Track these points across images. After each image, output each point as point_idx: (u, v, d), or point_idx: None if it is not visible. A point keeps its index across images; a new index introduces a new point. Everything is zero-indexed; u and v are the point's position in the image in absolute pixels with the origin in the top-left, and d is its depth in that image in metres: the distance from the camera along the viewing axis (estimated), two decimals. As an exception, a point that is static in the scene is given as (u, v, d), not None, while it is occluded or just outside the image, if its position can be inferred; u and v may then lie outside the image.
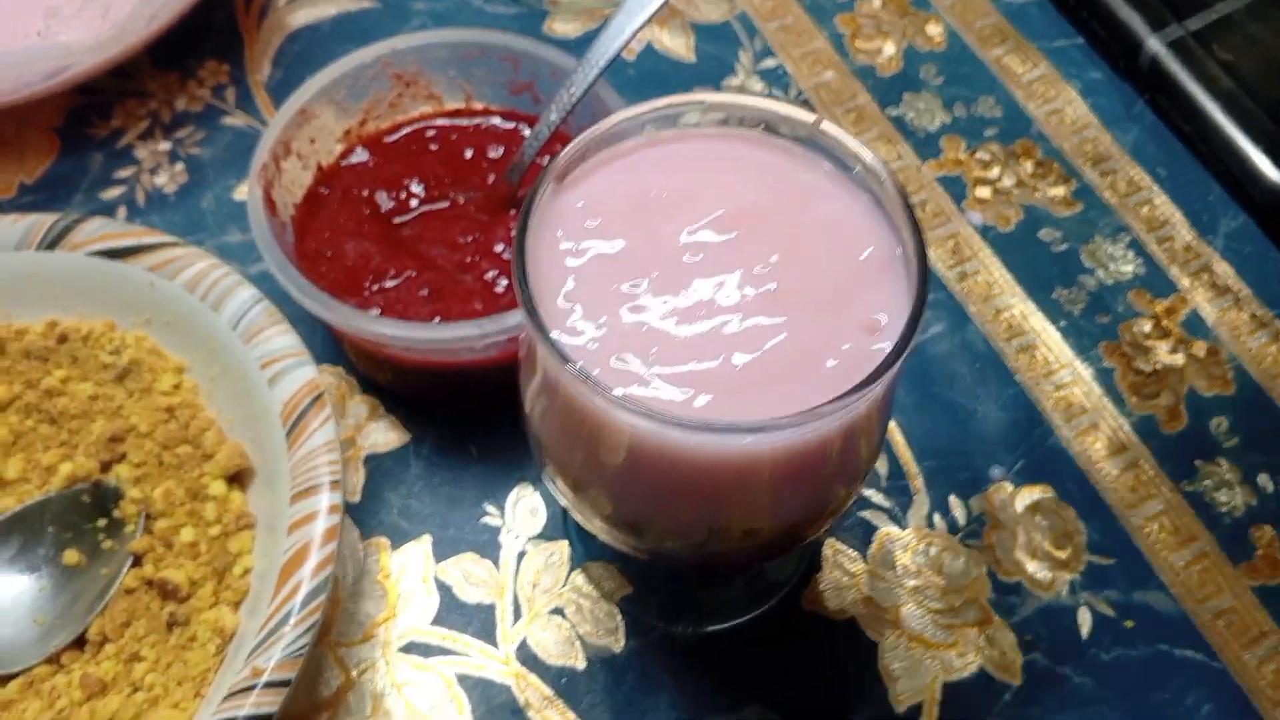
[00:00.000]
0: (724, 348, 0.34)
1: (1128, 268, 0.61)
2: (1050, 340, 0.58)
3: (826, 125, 0.37)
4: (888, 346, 0.34)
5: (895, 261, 0.36)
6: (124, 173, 0.63)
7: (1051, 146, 0.65)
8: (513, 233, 0.52)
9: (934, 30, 0.69)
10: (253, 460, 0.49)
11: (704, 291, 0.35)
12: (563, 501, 0.40)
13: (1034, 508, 0.54)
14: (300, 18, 0.68)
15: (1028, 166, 0.64)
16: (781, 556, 0.49)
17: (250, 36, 0.67)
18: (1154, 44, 0.66)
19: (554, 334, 0.33)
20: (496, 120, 0.57)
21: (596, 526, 0.40)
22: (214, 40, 0.67)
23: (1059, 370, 0.57)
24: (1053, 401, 0.56)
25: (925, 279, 0.34)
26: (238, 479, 0.50)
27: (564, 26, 0.68)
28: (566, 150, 0.37)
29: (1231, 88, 0.65)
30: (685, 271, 0.35)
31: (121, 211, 0.61)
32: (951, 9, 0.70)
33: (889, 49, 0.68)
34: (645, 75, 0.66)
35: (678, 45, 0.68)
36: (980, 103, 0.66)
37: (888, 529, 0.52)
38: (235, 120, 0.64)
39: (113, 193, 0.62)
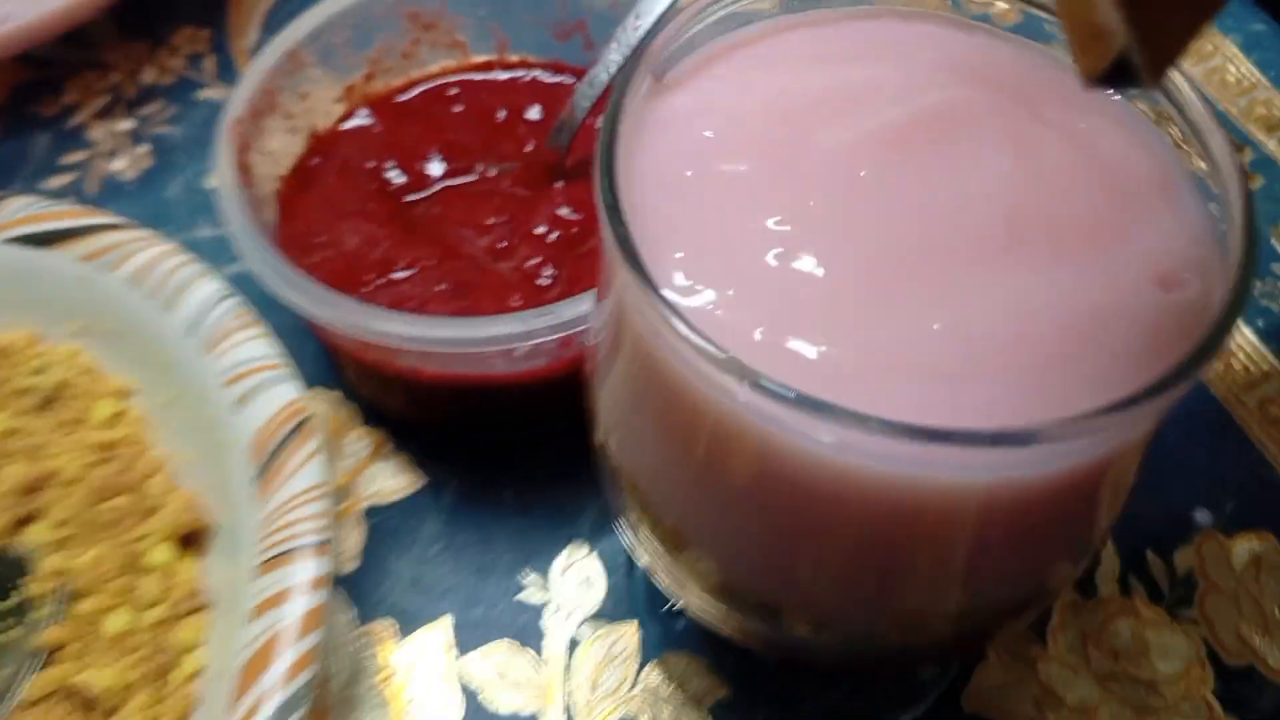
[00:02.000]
0: (931, 313, 0.21)
1: (1332, 254, 0.48)
2: (1249, 342, 0.45)
3: (1056, -12, 0.24)
4: (1205, 306, 0.21)
5: (1181, 184, 0.23)
6: (74, 157, 0.51)
7: (1216, 110, 0.52)
8: (559, 210, 0.40)
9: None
10: (213, 514, 0.37)
11: (890, 225, 0.22)
12: (646, 562, 0.28)
13: (1256, 563, 0.40)
14: (296, -24, 0.56)
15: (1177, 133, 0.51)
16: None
17: (234, -3, 0.56)
18: (1334, -12, 0.54)
19: (665, 293, 0.20)
20: (537, 74, 0.44)
21: (696, 603, 0.27)
22: (194, 3, 0.56)
23: (1263, 382, 0.44)
24: (1260, 422, 0.43)
25: (1249, 198, 0.21)
26: (192, 541, 0.37)
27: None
28: (665, 34, 0.24)
29: None
30: (858, 196, 0.22)
31: (66, 203, 0.49)
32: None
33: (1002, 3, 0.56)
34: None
35: None
36: (1126, 61, 0.54)
37: (1070, 596, 0.39)
38: (213, 93, 0.52)
39: (58, 181, 0.50)
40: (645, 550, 0.28)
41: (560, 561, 0.39)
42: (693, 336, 0.19)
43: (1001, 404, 0.20)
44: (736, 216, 0.22)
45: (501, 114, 0.43)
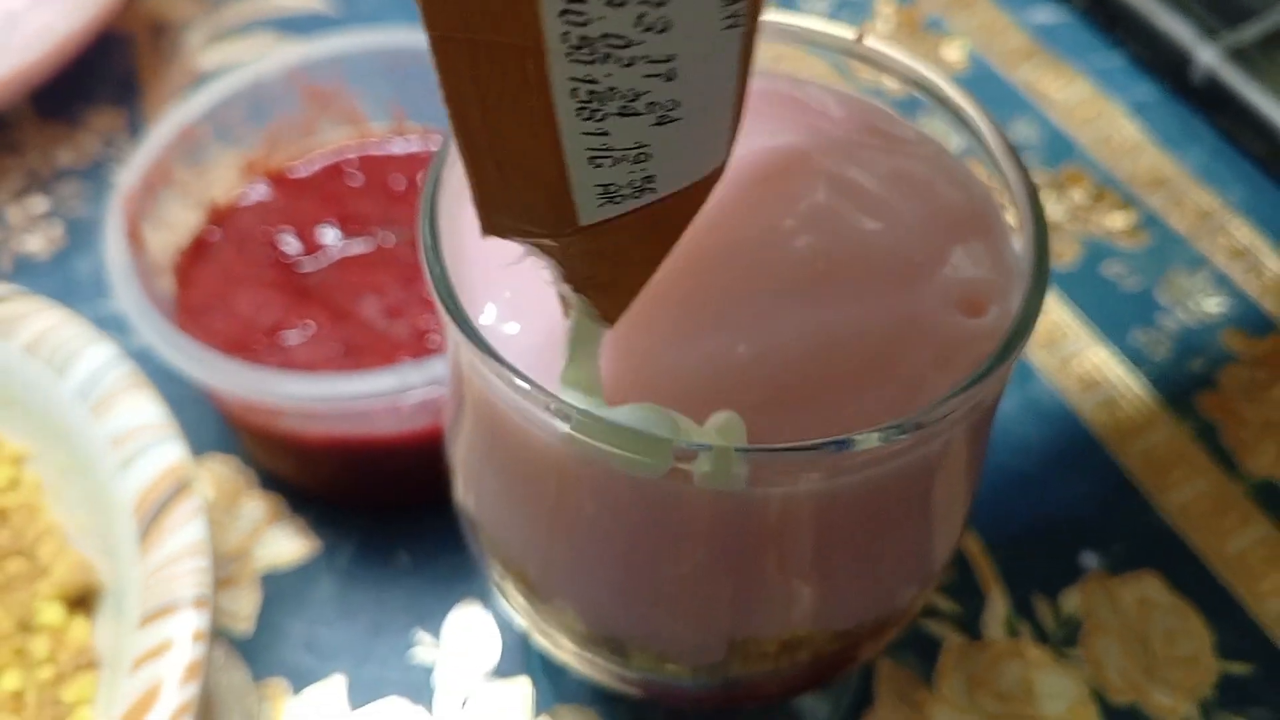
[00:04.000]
0: (746, 341, 0.22)
1: (1213, 304, 0.50)
2: (1134, 393, 0.47)
3: (874, 43, 0.26)
4: (1000, 327, 0.22)
5: (983, 217, 0.25)
6: (-14, 238, 0.51)
7: (1104, 172, 0.54)
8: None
9: (952, 54, 0.60)
10: (104, 576, 0.37)
11: (703, 262, 0.23)
12: (520, 621, 0.28)
13: (1143, 603, 0.41)
14: (214, 58, 0.58)
15: (1078, 195, 0.54)
16: (824, 687, 0.36)
17: (152, 80, 0.57)
18: (1206, 55, 0.57)
19: (482, 320, 0.21)
20: (437, 143, 0.46)
21: (569, 652, 0.27)
22: (110, 86, 0.57)
23: (1149, 429, 0.46)
24: (1146, 467, 0.44)
25: (1041, 215, 0.23)
26: (82, 602, 0.37)
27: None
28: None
29: (1307, 99, 0.55)
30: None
31: (-25, 281, 0.49)
32: (970, 31, 0.61)
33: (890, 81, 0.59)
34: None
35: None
36: (1013, 127, 0.56)
37: (957, 639, 0.40)
38: (125, 173, 0.53)
39: (-30, 261, 0.50)
40: (513, 604, 0.28)
41: (454, 619, 0.39)
42: (506, 373, 0.20)
43: (805, 425, 0.21)
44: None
45: (400, 183, 0.45)
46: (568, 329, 0.21)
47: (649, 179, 0.18)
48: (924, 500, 0.24)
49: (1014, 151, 0.24)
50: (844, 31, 0.27)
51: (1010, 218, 0.26)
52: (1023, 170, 0.23)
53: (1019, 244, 0.25)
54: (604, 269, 0.20)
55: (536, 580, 0.26)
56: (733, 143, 0.20)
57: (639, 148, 0.17)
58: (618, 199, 0.18)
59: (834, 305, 0.23)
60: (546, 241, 0.19)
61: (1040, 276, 0.22)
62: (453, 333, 0.21)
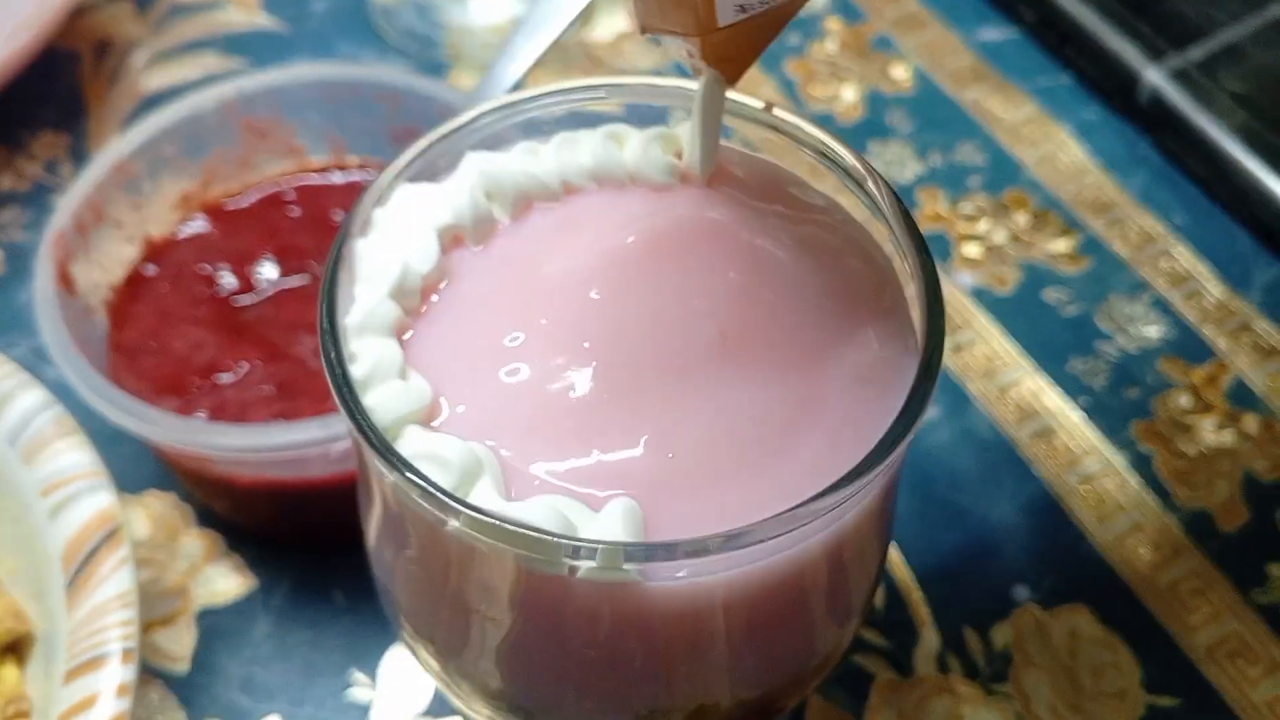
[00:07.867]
0: (650, 425, 0.22)
1: (1153, 330, 0.50)
2: (1071, 422, 0.47)
3: (781, 113, 0.26)
4: (897, 404, 0.22)
5: (887, 293, 0.25)
6: (-75, 265, 0.51)
7: (1048, 195, 0.55)
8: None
9: (899, 74, 0.60)
10: (35, 623, 0.37)
11: (616, 343, 0.23)
12: (432, 677, 0.28)
13: (1072, 636, 0.42)
14: (159, 79, 0.58)
15: (1021, 219, 0.54)
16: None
17: (96, 102, 0.57)
18: (1153, 76, 0.57)
19: (368, 402, 0.21)
20: (375, 175, 0.46)
21: (481, 712, 0.28)
22: (54, 109, 0.57)
23: (1084, 459, 0.46)
24: (1081, 498, 0.45)
25: (938, 299, 0.23)
26: (14, 649, 0.37)
27: (470, 80, 0.58)
28: (418, 148, 0.26)
29: (1249, 122, 0.55)
30: (588, 315, 0.24)
31: (-88, 311, 0.49)
32: (918, 49, 0.61)
33: (849, 94, 0.59)
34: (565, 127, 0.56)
35: (602, 97, 0.58)
36: (959, 149, 0.56)
37: (888, 676, 0.40)
38: (67, 198, 0.53)
39: (-93, 289, 0.50)
40: (427, 669, 0.28)
41: (390, 659, 0.40)
42: (395, 466, 0.20)
43: (711, 510, 0.22)
44: (471, 336, 0.24)
45: (339, 216, 0.45)
46: (697, 95, 0.26)
47: None
48: (833, 568, 0.24)
49: (921, 241, 0.24)
50: (753, 101, 0.27)
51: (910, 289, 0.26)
52: (925, 254, 0.24)
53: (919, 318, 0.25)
54: (731, 50, 0.26)
55: (443, 650, 0.26)
56: None
57: None
58: (747, 9, 0.24)
59: (735, 387, 0.23)
60: (690, 36, 0.25)
61: (930, 365, 0.22)
62: (347, 418, 0.21)
